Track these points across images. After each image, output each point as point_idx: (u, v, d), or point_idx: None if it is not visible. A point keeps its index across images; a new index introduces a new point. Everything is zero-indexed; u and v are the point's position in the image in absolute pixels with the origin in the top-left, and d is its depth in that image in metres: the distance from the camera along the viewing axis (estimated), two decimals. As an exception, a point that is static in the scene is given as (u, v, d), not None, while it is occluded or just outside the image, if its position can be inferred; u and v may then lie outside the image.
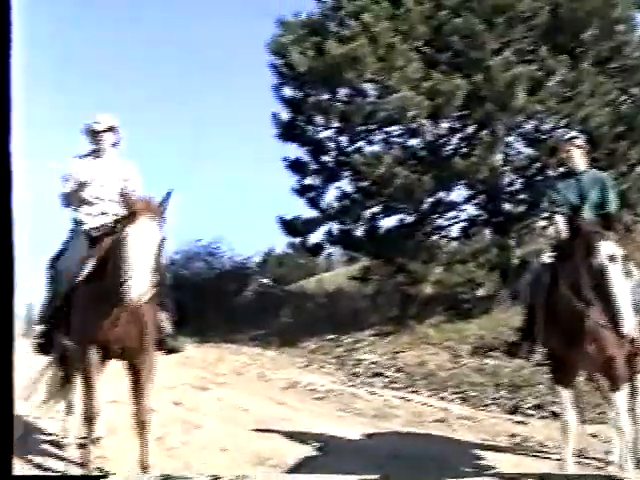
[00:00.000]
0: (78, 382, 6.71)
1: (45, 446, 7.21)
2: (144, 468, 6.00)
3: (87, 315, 5.91)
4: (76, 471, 6.30)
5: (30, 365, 7.05)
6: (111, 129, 6.73)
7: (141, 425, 6.10)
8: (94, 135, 6.72)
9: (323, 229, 16.09)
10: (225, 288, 20.52)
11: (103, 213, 6.58)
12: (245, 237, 21.28)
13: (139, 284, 5.38)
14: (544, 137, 15.04)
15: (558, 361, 6.40)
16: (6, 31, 3.95)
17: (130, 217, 5.68)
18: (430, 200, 15.25)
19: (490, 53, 14.24)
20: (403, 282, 15.51)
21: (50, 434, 7.64)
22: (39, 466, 6.50)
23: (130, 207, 5.76)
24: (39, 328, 6.87)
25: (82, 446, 6.57)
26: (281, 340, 15.80)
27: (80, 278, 6.06)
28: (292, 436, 7.75)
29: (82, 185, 6.61)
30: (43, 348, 6.72)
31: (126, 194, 5.92)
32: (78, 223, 6.69)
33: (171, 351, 6.53)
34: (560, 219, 6.53)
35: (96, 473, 6.07)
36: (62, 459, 6.70)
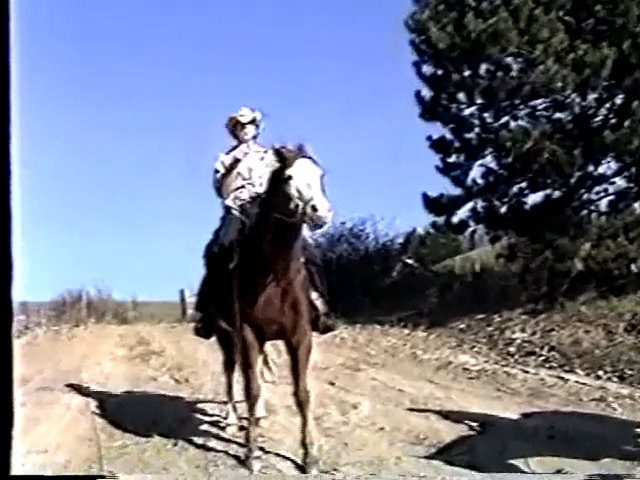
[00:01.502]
0: (237, 364, 6.95)
1: (206, 427, 7.44)
2: (305, 447, 6.08)
3: (242, 297, 6.01)
4: (238, 450, 6.42)
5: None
6: (254, 122, 7.04)
7: (301, 405, 6.17)
8: (238, 127, 7.01)
9: (467, 207, 16.00)
10: (370, 270, 20.64)
11: (252, 197, 6.76)
12: (388, 217, 21.29)
13: (322, 199, 5.40)
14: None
15: None
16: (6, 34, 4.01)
17: (286, 164, 5.70)
18: (578, 174, 14.83)
19: (635, 19, 13.71)
20: (551, 259, 15.21)
21: (211, 415, 7.92)
22: (201, 446, 6.65)
23: (283, 157, 5.79)
24: (198, 313, 7.15)
25: (243, 427, 6.80)
26: (430, 320, 15.83)
27: (234, 262, 6.18)
28: (447, 415, 7.72)
29: (230, 174, 6.85)
30: (203, 332, 6.95)
31: (279, 149, 5.92)
32: (228, 210, 6.92)
33: (326, 330, 6.64)
34: None
35: (253, 454, 6.19)
36: (223, 440, 6.85)
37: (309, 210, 5.35)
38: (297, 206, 5.44)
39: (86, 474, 5.96)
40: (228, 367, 7.38)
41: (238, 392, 7.21)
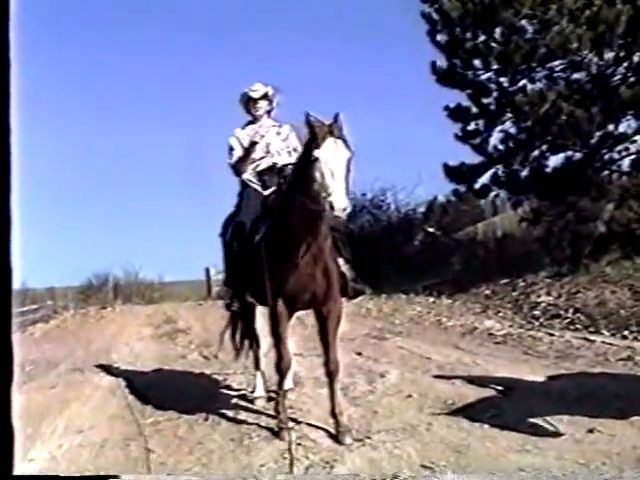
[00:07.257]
0: (264, 337, 7.00)
1: (235, 400, 7.50)
2: (335, 417, 6.11)
3: (273, 269, 5.97)
4: (269, 422, 6.45)
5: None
6: (266, 97, 7.04)
7: (331, 375, 6.18)
8: (251, 102, 7.00)
9: (488, 173, 15.94)
10: (393, 240, 20.67)
11: (271, 168, 6.81)
12: (408, 187, 21.28)
13: (341, 197, 5.28)
14: None
15: None
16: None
17: (316, 140, 5.54)
18: (598, 134, 14.72)
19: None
20: (573, 221, 15.16)
21: (239, 389, 8.00)
22: (232, 420, 6.72)
23: (314, 130, 5.61)
24: (225, 290, 7.17)
25: (271, 399, 6.87)
26: (454, 287, 15.86)
27: (260, 235, 6.18)
28: (474, 380, 7.74)
29: (249, 150, 6.84)
30: (235, 307, 6.94)
31: (310, 119, 5.69)
32: (247, 184, 6.94)
33: (356, 295, 6.59)
34: None
35: (286, 425, 6.24)
36: (252, 411, 6.91)
37: (327, 206, 5.28)
38: (318, 194, 5.38)
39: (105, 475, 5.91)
40: (254, 341, 7.41)
41: (264, 365, 7.32)
